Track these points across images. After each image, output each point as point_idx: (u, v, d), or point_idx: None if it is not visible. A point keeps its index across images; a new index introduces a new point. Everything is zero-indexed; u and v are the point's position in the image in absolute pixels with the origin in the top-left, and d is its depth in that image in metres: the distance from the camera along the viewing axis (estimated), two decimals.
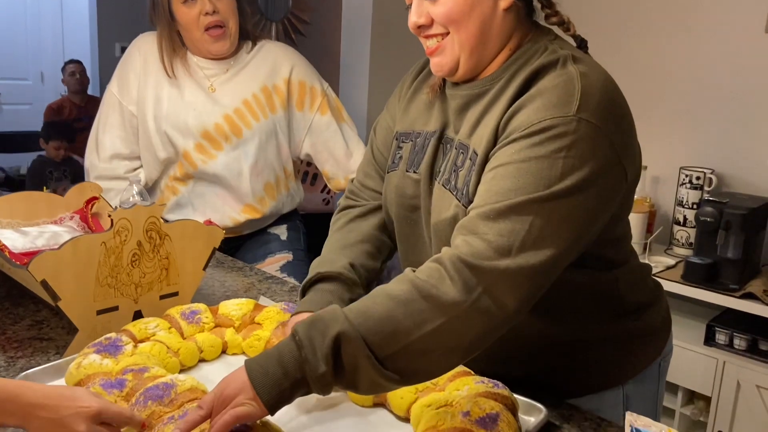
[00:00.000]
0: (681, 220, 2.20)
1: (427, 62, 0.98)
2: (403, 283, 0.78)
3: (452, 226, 0.88)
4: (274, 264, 1.67)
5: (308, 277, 1.04)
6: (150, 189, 1.70)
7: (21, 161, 4.77)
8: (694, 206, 2.13)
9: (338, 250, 1.06)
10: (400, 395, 0.92)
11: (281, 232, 1.75)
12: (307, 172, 3.13)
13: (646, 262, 1.09)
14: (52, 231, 1.35)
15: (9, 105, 5.81)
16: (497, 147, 0.84)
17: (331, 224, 1.14)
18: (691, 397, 2.06)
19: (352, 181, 1.17)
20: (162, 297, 1.16)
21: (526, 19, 0.91)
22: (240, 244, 1.73)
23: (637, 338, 1.01)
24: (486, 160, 0.86)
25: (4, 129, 5.26)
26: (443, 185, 0.92)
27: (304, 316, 0.95)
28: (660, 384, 1.06)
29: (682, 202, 2.18)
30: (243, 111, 1.62)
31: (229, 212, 1.65)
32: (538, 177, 0.78)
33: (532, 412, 0.93)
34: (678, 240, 2.22)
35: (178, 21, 1.57)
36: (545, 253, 0.77)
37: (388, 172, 1.04)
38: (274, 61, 1.68)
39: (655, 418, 1.07)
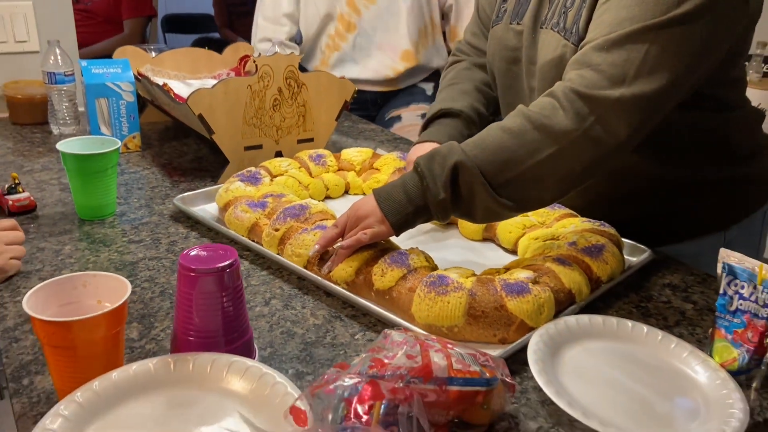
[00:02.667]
0: None
1: None
2: (516, 116, 0.81)
3: (558, 67, 0.88)
4: (416, 111, 1.78)
5: (431, 112, 1.11)
6: (309, 52, 1.84)
7: (187, 43, 5.19)
8: None
9: (458, 94, 1.12)
10: (509, 230, 0.98)
11: (428, 87, 1.85)
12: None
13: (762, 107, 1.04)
14: (211, 84, 1.52)
15: None
16: None
17: (441, 78, 1.21)
18: None
19: (459, 41, 1.21)
20: (299, 141, 1.29)
21: None
22: (392, 97, 1.84)
23: (742, 184, 0.98)
24: None
25: (182, 11, 5.70)
26: (551, 29, 0.92)
27: (425, 145, 1.04)
28: (763, 237, 1.03)
29: None
30: None
31: (388, 61, 1.76)
32: (654, 3, 0.76)
33: (635, 253, 0.96)
34: None
35: None
36: (660, 81, 0.76)
37: (492, 27, 1.05)
38: None
39: None
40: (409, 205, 0.82)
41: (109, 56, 1.50)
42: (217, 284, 0.62)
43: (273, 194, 1.01)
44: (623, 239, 0.96)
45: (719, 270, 0.72)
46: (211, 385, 0.60)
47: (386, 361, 0.56)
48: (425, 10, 1.75)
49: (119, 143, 1.01)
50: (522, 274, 0.79)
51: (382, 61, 1.77)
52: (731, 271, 0.71)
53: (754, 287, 0.69)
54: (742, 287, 0.70)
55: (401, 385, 0.52)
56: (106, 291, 0.64)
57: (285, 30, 1.82)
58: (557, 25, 0.91)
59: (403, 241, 0.98)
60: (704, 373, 0.70)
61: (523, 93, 1.02)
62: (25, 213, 1.03)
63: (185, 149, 1.39)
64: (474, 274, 0.82)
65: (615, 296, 0.87)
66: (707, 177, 0.96)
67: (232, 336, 0.64)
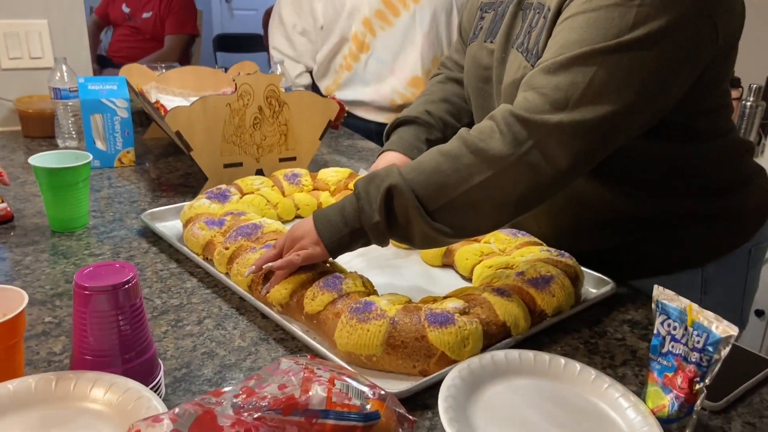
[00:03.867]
0: None
1: None
2: (454, 140, 0.78)
3: (517, 88, 0.85)
4: None
5: (389, 124, 1.12)
6: (324, 70, 1.85)
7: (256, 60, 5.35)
8: None
9: (420, 104, 1.13)
10: (465, 257, 0.95)
11: None
12: None
13: (748, 139, 0.96)
14: None
15: (239, 11, 6.47)
16: None
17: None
18: None
19: (444, 57, 1.20)
20: (281, 160, 1.29)
21: None
22: None
23: (721, 217, 0.91)
24: (558, 13, 0.80)
25: (234, 31, 5.89)
26: (517, 49, 0.89)
27: (386, 155, 1.06)
28: (750, 273, 0.95)
29: None
30: None
31: (396, 86, 1.75)
32: (607, 27, 0.71)
33: (599, 285, 0.91)
34: None
35: None
36: (604, 109, 0.71)
37: (468, 44, 1.02)
38: None
39: (739, 311, 0.97)
40: (345, 228, 0.80)
41: None
42: (110, 303, 0.61)
43: (233, 212, 1.01)
44: (588, 270, 0.92)
45: (653, 307, 0.67)
46: (85, 405, 0.60)
47: (256, 390, 0.54)
48: (444, 38, 1.73)
49: (90, 158, 1.04)
50: (451, 304, 0.76)
51: (391, 84, 1.75)
52: (664, 310, 0.66)
53: (685, 329, 0.63)
54: (675, 328, 0.65)
55: (254, 416, 0.51)
56: (10, 304, 0.65)
57: (302, 48, 1.84)
58: (522, 45, 0.88)
59: (357, 263, 0.97)
60: (632, 419, 0.65)
61: None
62: (2, 223, 1.07)
63: (178, 165, 1.42)
64: (409, 302, 0.79)
65: (564, 331, 0.82)
66: (680, 210, 0.90)
67: (129, 355, 0.64)
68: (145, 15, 3.48)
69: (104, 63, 3.52)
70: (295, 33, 1.84)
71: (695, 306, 0.63)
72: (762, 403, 0.71)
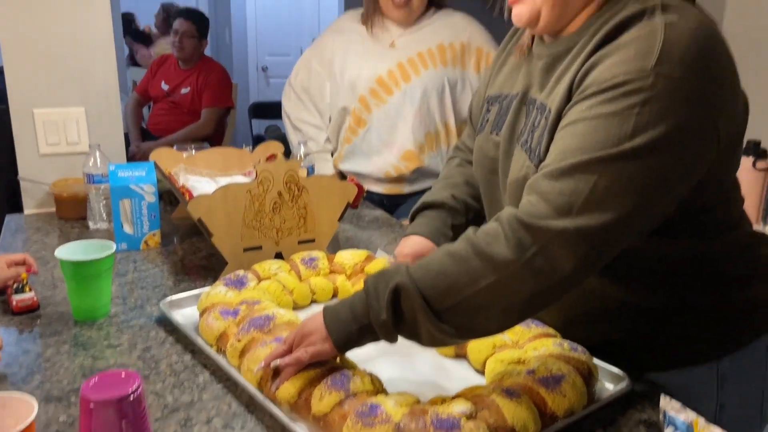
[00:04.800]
0: None
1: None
2: (462, 241, 0.79)
3: (521, 186, 0.86)
4: None
5: (415, 206, 1.14)
6: (334, 143, 1.94)
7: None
8: None
9: (443, 187, 1.16)
10: (478, 349, 0.94)
11: None
12: None
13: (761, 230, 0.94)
14: (239, 181, 1.60)
15: (274, 78, 6.72)
16: (571, 103, 0.80)
17: (441, 171, 1.24)
18: None
19: (458, 141, 1.24)
20: (300, 242, 1.31)
21: None
22: (402, 202, 1.85)
23: (735, 312, 0.89)
24: (558, 117, 0.82)
25: (271, 98, 6.11)
26: (521, 146, 0.90)
27: (411, 239, 1.09)
28: None
29: None
30: (415, 60, 1.78)
31: (391, 159, 1.81)
32: (607, 135, 0.73)
33: (614, 381, 0.89)
34: None
35: None
36: (608, 216, 0.72)
37: (477, 135, 1.04)
38: (454, 25, 1.84)
39: (760, 407, 0.92)
40: (353, 324, 0.81)
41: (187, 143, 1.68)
42: (116, 414, 0.63)
43: (248, 301, 1.03)
44: (602, 364, 0.90)
45: (660, 418, 0.65)
46: None
47: None
48: (437, 115, 1.80)
49: (112, 249, 1.08)
50: (458, 408, 0.75)
51: (386, 158, 1.82)
52: (671, 422, 0.64)
53: None
54: None
55: None
56: (20, 411, 0.66)
57: (312, 121, 1.92)
58: (526, 143, 0.90)
59: (365, 354, 0.96)
60: None
61: (500, 203, 1.00)
62: (28, 312, 1.11)
63: (201, 246, 1.46)
64: (418, 402, 0.79)
65: None
66: (691, 303, 0.88)
67: None
68: (183, 91, 3.64)
69: (145, 136, 3.67)
70: (312, 106, 1.95)
71: (701, 420, 0.61)
72: None
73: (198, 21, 3.66)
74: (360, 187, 1.36)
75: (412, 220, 1.16)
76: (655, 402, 0.86)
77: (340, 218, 1.34)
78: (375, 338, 0.82)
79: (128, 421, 0.63)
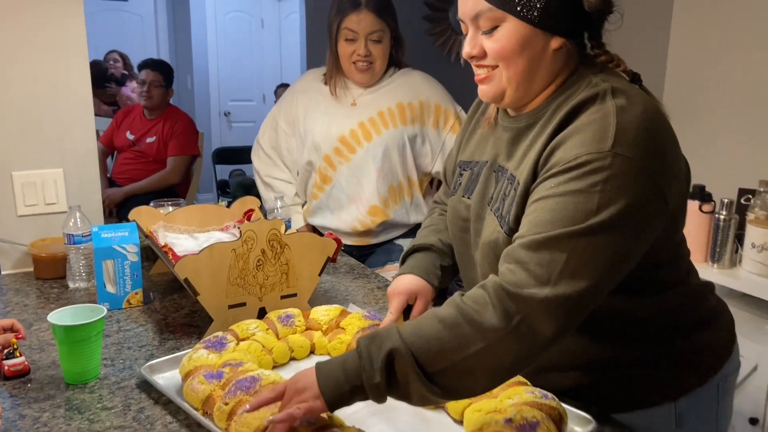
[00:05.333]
0: None
1: None
2: (451, 307, 0.87)
3: (493, 249, 0.94)
4: (392, 271, 1.84)
5: (406, 249, 1.23)
6: (303, 195, 2.02)
7: (250, 172, 5.57)
8: None
9: (430, 233, 1.25)
10: (456, 400, 1.01)
11: (405, 243, 1.91)
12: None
13: (708, 280, 1.05)
14: (218, 237, 1.65)
15: (237, 123, 6.79)
16: (539, 180, 0.89)
17: (424, 220, 1.34)
18: None
19: (437, 195, 1.35)
20: (283, 297, 1.37)
21: (576, 55, 0.94)
22: (370, 253, 1.92)
23: (688, 357, 0.99)
24: (526, 190, 0.91)
25: (233, 144, 6.16)
26: (493, 211, 0.99)
27: (404, 278, 1.17)
28: (721, 404, 1.02)
29: None
30: (376, 120, 1.87)
31: (357, 215, 1.89)
32: (575, 210, 0.82)
33: (583, 424, 0.96)
34: None
35: (338, 52, 1.84)
36: (581, 284, 0.81)
37: (450, 197, 1.14)
38: (413, 85, 1.92)
39: None
40: (346, 384, 0.86)
41: (153, 191, 1.69)
42: None
43: (231, 363, 1.06)
44: (571, 409, 0.97)
45: None
46: None
47: None
48: (399, 170, 1.89)
49: (103, 313, 1.12)
50: None
51: (352, 213, 1.90)
52: None
53: None
54: None
55: None
56: None
57: (282, 176, 2.00)
58: (497, 210, 0.99)
59: (355, 407, 1.01)
60: None
61: (473, 261, 1.08)
62: (20, 377, 1.13)
63: (184, 302, 1.50)
64: None
65: None
66: (650, 351, 0.98)
67: None
68: (149, 140, 3.67)
69: (110, 184, 3.67)
70: (281, 162, 2.04)
71: None
72: None
73: (164, 71, 3.72)
74: (339, 242, 1.43)
75: (402, 262, 1.24)
76: None
77: (320, 273, 1.40)
78: (365, 398, 0.87)
79: None
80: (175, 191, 3.68)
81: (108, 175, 3.82)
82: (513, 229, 0.92)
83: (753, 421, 1.94)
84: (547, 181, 0.87)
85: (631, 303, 0.94)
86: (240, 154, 5.57)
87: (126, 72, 5.07)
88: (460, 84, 2.13)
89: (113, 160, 3.93)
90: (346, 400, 0.87)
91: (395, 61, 1.93)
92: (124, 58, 5.18)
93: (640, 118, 0.84)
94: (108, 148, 3.82)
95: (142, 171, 3.69)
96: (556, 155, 0.87)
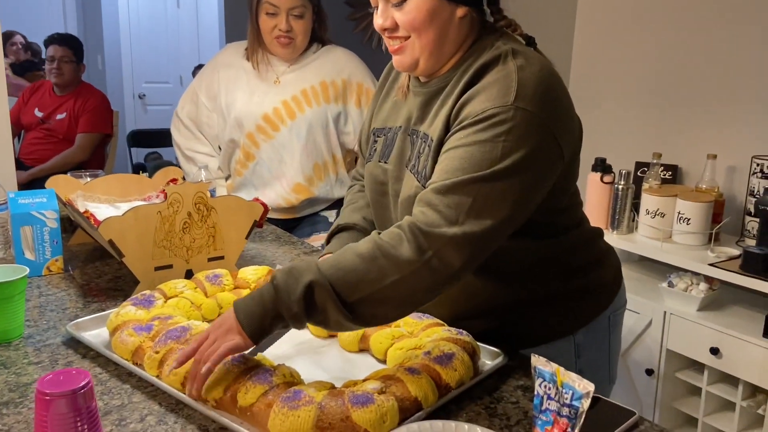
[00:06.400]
0: (752, 210, 2.12)
1: None
2: (368, 243, 0.93)
3: (412, 203, 1.02)
4: (317, 241, 1.89)
5: (331, 229, 1.27)
6: (225, 171, 2.02)
7: (168, 155, 5.44)
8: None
9: (352, 211, 1.29)
10: (379, 341, 1.08)
11: (330, 215, 1.98)
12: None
13: (598, 226, 1.19)
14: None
15: (153, 106, 6.58)
16: (450, 133, 0.98)
17: (345, 196, 1.38)
18: (753, 390, 1.99)
19: (355, 171, 1.40)
20: (210, 259, 1.40)
21: (479, 23, 1.03)
22: (295, 225, 1.97)
23: (583, 293, 1.11)
24: (440, 144, 0.99)
25: (148, 126, 5.97)
26: (410, 170, 1.07)
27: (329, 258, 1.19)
28: (612, 336, 1.16)
29: (753, 191, 2.11)
30: (299, 98, 1.90)
31: (281, 192, 1.92)
32: (481, 159, 0.91)
33: (492, 357, 1.06)
34: (749, 231, 2.14)
35: (260, 26, 1.85)
36: (486, 223, 0.90)
37: (366, 163, 1.20)
38: (335, 62, 1.94)
39: (607, 368, 1.17)
40: (265, 317, 0.91)
41: (61, 171, 1.63)
42: (69, 406, 0.70)
43: (160, 317, 1.09)
44: (483, 345, 1.07)
45: (532, 372, 0.82)
46: None
47: None
48: (323, 148, 1.93)
49: (26, 272, 1.11)
50: (370, 385, 0.88)
51: (277, 190, 1.93)
52: (540, 374, 0.81)
53: (557, 388, 0.78)
54: (549, 388, 0.80)
55: None
56: None
57: (203, 150, 2.00)
58: (414, 168, 1.06)
59: (281, 353, 1.07)
60: None
61: (390, 221, 1.16)
62: None
63: (106, 269, 1.49)
64: (333, 387, 0.91)
65: (470, 398, 0.96)
66: (548, 290, 1.10)
67: None
68: (59, 116, 3.53)
69: (18, 166, 3.50)
70: (201, 136, 2.04)
71: (562, 369, 0.78)
72: None
73: (73, 45, 3.58)
74: (265, 206, 1.46)
75: (328, 242, 1.26)
76: (528, 372, 1.04)
77: (248, 236, 1.44)
78: (285, 326, 0.93)
79: (81, 413, 0.70)
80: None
81: (15, 156, 3.64)
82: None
83: (649, 372, 2.13)
84: (457, 133, 0.95)
85: (535, 245, 1.05)
86: (156, 137, 5.42)
87: (33, 59, 4.73)
88: (381, 69, 2.19)
89: (20, 141, 3.75)
90: (267, 329, 0.92)
91: (318, 38, 1.96)
92: (30, 45, 4.82)
93: (538, 75, 0.94)
94: (15, 126, 3.63)
95: (52, 151, 3.55)
96: (465, 110, 0.95)
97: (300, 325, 0.93)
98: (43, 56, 4.13)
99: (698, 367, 2.08)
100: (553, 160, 0.95)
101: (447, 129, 0.99)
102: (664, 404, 2.12)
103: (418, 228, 0.90)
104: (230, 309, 0.95)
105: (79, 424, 0.70)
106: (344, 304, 0.89)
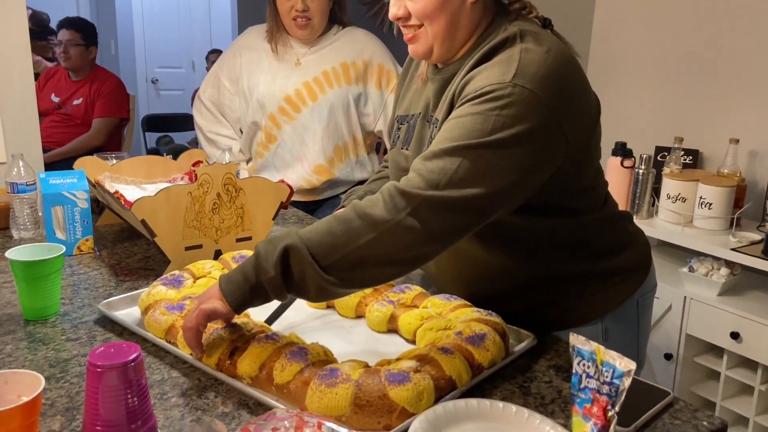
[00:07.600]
0: None
1: None
2: (347, 207, 0.94)
3: None
4: None
5: (348, 191, 1.28)
6: (246, 154, 2.04)
7: (179, 139, 5.46)
8: None
9: (375, 179, 1.32)
10: (408, 321, 1.09)
11: None
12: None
13: (626, 210, 1.19)
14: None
15: (165, 91, 6.59)
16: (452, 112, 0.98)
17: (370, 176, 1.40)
18: None
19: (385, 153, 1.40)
20: (238, 240, 1.41)
21: (493, 6, 1.03)
22: (316, 208, 1.98)
23: (610, 277, 1.11)
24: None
25: (161, 111, 5.99)
26: None
27: None
28: (641, 320, 1.16)
29: None
30: (321, 80, 1.91)
31: (303, 173, 1.94)
32: (471, 129, 0.90)
33: (524, 339, 1.06)
34: None
35: (277, 7, 1.86)
36: (468, 192, 0.89)
37: (390, 149, 1.21)
38: (356, 44, 1.95)
39: (636, 352, 1.16)
40: (245, 284, 0.92)
41: (77, 155, 1.64)
42: (120, 378, 0.71)
43: (191, 296, 1.11)
44: (512, 327, 1.07)
45: (570, 351, 0.83)
46: None
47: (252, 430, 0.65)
48: (344, 130, 1.94)
49: (63, 250, 1.13)
50: (406, 364, 0.89)
51: (298, 172, 1.95)
52: (579, 353, 0.81)
53: (596, 367, 0.79)
54: (588, 366, 0.80)
55: None
56: (25, 387, 0.73)
57: (225, 132, 2.01)
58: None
59: (311, 333, 1.08)
60: None
61: None
62: None
63: (135, 249, 1.51)
64: (367, 365, 0.92)
65: (502, 378, 0.97)
66: (572, 272, 1.09)
67: (135, 425, 0.73)
68: (76, 102, 3.54)
69: None
70: (223, 119, 2.06)
71: (602, 348, 0.79)
72: (664, 427, 0.88)
73: (81, 28, 3.56)
74: (291, 188, 1.47)
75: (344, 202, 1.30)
76: (560, 352, 1.05)
77: (274, 217, 1.45)
78: (267, 297, 0.93)
79: (132, 386, 0.72)
80: None
81: None
82: None
83: (668, 357, 2.13)
84: (456, 110, 0.95)
85: (553, 226, 1.05)
86: (170, 122, 5.44)
87: (35, 29, 4.73)
88: (394, 53, 2.18)
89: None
90: (249, 300, 0.92)
91: (338, 19, 1.97)
92: (36, 14, 4.84)
93: (543, 57, 0.92)
94: None
95: (70, 135, 3.56)
96: (466, 89, 0.95)
97: (280, 294, 0.92)
98: (52, 26, 4.14)
99: (717, 351, 2.09)
100: (552, 142, 0.93)
101: (451, 110, 0.99)
102: (682, 388, 2.13)
103: (396, 188, 0.90)
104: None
105: (129, 396, 0.72)
106: (321, 267, 0.89)
